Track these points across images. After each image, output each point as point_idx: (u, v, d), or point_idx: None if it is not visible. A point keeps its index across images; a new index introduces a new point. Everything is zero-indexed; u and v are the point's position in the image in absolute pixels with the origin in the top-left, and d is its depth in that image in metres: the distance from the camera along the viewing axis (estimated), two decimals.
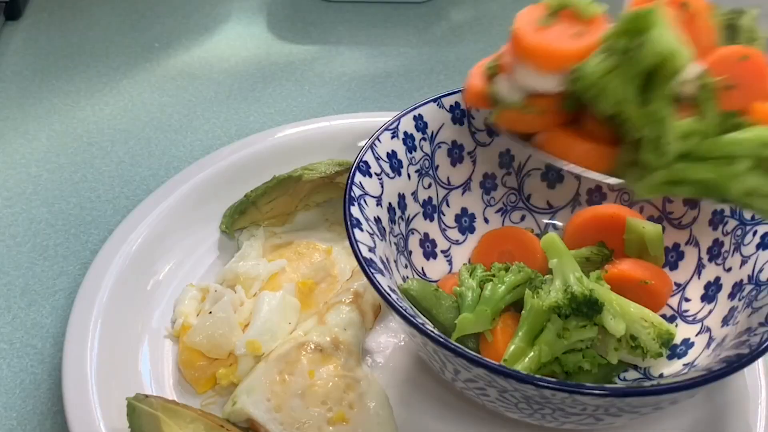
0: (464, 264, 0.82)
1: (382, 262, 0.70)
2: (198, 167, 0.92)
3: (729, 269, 0.74)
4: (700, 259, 0.78)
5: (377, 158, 0.76)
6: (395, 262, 0.75)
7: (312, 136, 0.97)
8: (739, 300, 0.70)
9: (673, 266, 0.80)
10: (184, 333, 0.77)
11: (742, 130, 0.62)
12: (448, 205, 0.84)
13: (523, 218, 0.87)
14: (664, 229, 0.80)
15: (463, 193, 0.85)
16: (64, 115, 1.11)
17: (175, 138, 1.08)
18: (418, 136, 0.80)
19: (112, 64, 1.21)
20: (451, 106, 0.82)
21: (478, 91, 0.73)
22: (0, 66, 1.19)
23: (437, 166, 0.82)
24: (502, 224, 0.86)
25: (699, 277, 0.78)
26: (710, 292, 0.76)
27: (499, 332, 0.71)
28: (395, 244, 0.77)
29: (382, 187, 0.76)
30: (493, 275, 0.74)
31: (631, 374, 0.74)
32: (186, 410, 0.68)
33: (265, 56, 1.25)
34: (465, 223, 0.85)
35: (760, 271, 0.70)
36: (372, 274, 0.64)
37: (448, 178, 0.83)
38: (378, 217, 0.74)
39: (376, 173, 0.75)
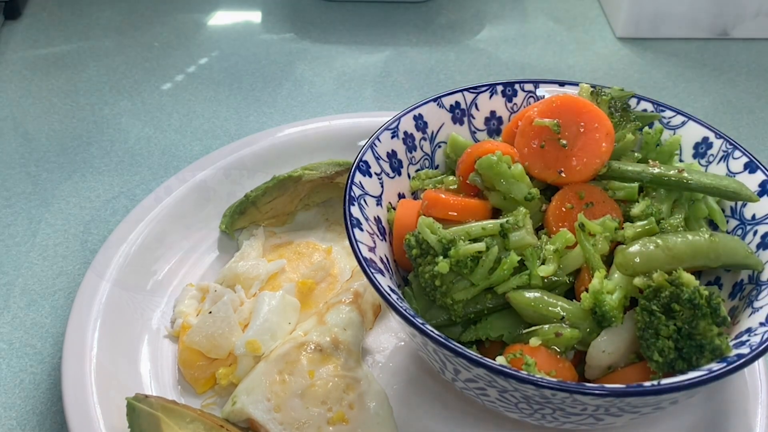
0: None
1: (382, 262, 0.70)
2: (198, 167, 0.92)
3: (729, 269, 0.74)
4: None
5: (377, 158, 0.76)
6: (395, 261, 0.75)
7: (312, 136, 0.97)
8: (740, 300, 0.70)
9: None
10: (184, 333, 0.77)
11: None
12: None
13: None
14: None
15: None
16: (64, 115, 1.11)
17: (175, 138, 1.08)
18: (418, 135, 0.80)
19: (111, 64, 1.21)
20: (451, 105, 0.82)
21: None
22: (0, 66, 1.19)
23: (437, 166, 0.82)
24: None
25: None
26: None
27: None
28: None
29: (382, 187, 0.76)
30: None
31: None
32: (186, 410, 0.68)
33: (265, 56, 1.25)
34: None
35: (761, 271, 0.70)
36: (372, 274, 0.64)
37: None
38: (378, 217, 0.73)
39: (376, 173, 0.75)
